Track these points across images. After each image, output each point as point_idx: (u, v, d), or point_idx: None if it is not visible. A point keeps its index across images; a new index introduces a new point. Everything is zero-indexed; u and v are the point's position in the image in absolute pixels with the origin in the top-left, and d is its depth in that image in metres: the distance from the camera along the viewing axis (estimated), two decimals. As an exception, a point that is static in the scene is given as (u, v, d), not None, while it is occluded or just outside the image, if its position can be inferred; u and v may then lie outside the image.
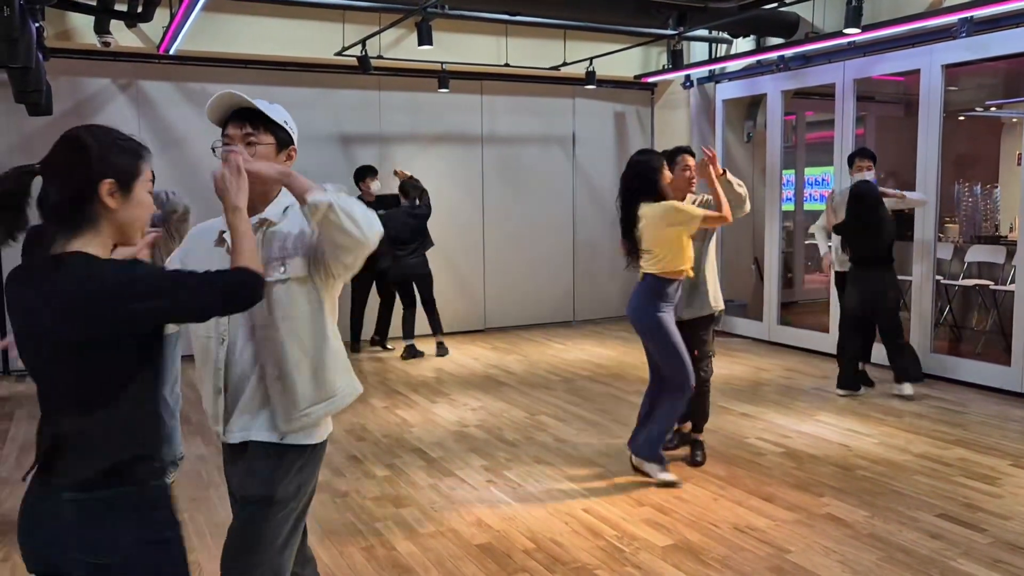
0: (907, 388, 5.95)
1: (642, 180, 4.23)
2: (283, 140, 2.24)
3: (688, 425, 4.72)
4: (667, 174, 4.30)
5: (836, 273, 6.44)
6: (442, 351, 7.70)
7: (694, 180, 4.52)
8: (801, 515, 3.89)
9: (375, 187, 7.56)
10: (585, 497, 4.17)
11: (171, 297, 1.62)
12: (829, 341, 7.29)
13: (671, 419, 4.34)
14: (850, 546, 3.54)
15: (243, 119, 2.16)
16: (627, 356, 7.53)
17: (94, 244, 1.64)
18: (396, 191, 7.63)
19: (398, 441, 5.13)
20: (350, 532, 3.77)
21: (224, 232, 2.14)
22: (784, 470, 4.50)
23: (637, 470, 4.41)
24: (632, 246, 4.27)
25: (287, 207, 2.22)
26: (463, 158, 8.80)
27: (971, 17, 5.91)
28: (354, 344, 7.86)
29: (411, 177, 7.60)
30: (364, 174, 7.55)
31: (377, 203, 7.40)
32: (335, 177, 8.20)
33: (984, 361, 6.51)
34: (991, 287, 7.76)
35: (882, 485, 4.27)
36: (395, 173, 7.78)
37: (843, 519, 3.83)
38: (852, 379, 6.06)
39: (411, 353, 7.58)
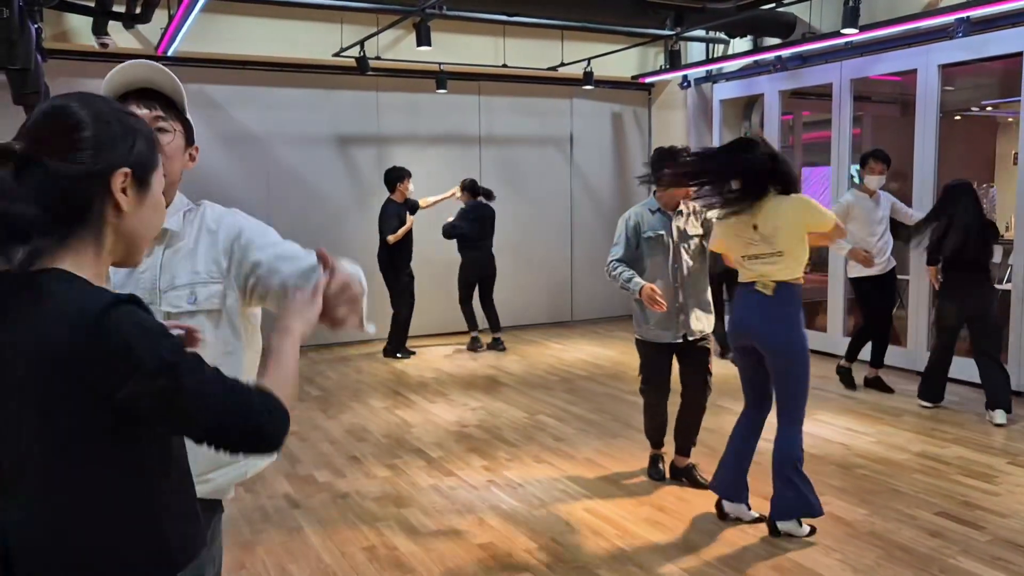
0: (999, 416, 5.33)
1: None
2: (190, 134, 1.74)
3: (683, 459, 4.34)
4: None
5: (860, 280, 6.04)
6: (500, 346, 7.93)
7: (691, 189, 4.01)
8: (801, 514, 3.90)
9: (412, 189, 7.54)
10: (586, 496, 4.18)
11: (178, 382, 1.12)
12: (827, 341, 7.31)
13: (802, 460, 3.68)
14: (850, 544, 3.56)
15: (152, 98, 1.67)
16: (625, 356, 7.54)
17: (87, 261, 1.18)
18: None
19: (398, 441, 5.14)
20: (352, 532, 3.78)
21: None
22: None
23: (774, 533, 3.66)
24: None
25: (185, 212, 1.74)
26: (461, 159, 8.80)
27: (968, 17, 5.93)
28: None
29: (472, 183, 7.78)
30: (403, 175, 7.46)
31: (406, 205, 7.47)
32: (332, 177, 8.22)
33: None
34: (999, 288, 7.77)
35: (881, 483, 4.28)
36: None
37: (843, 517, 3.85)
38: (938, 390, 5.65)
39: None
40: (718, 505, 3.86)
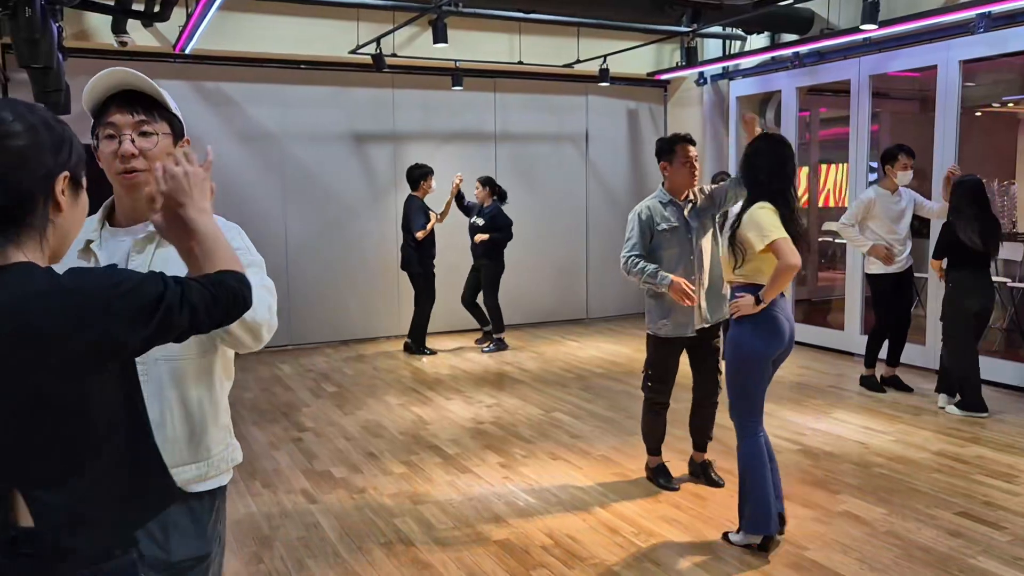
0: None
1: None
2: (178, 130, 1.77)
3: (701, 455, 4.31)
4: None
5: (878, 277, 5.94)
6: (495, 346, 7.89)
7: (697, 174, 4.09)
8: (818, 512, 3.88)
9: (435, 186, 7.56)
10: (602, 494, 4.18)
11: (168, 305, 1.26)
12: (844, 338, 7.26)
13: None
14: (868, 543, 3.54)
15: (133, 103, 1.71)
16: (640, 353, 7.48)
17: (36, 257, 1.28)
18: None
19: (414, 438, 5.16)
20: (369, 528, 3.79)
21: (92, 242, 1.74)
22: (801, 468, 4.49)
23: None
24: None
25: None
26: (476, 156, 8.81)
27: (989, 12, 5.86)
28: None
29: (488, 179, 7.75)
30: (427, 173, 7.47)
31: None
32: (347, 174, 8.25)
33: (1001, 358, 6.47)
34: (1008, 284, 7.71)
35: (899, 483, 4.26)
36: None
37: (860, 516, 3.82)
38: (980, 398, 5.44)
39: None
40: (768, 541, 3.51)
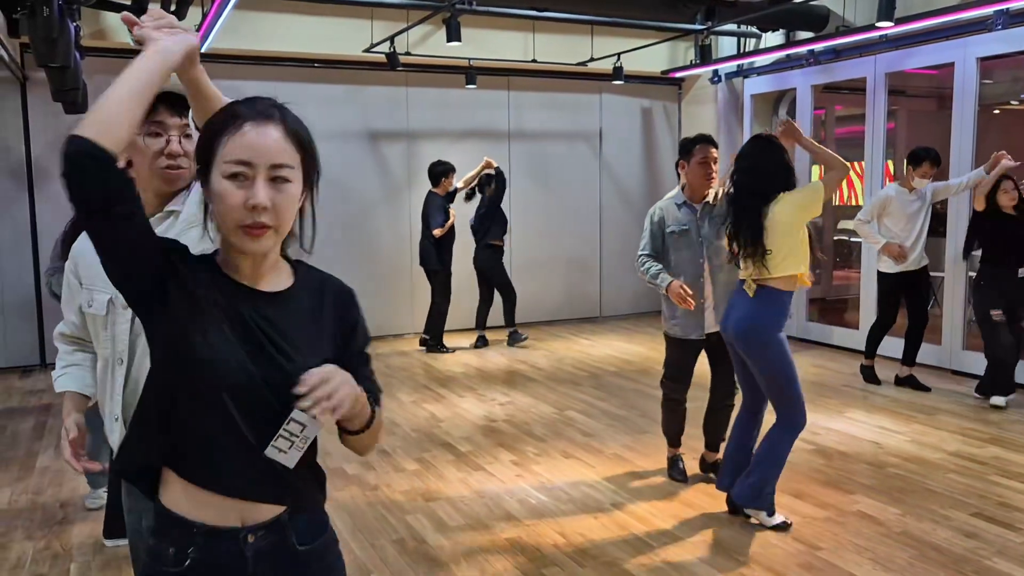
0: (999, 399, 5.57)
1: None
2: None
3: (713, 454, 4.33)
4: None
5: (888, 276, 5.94)
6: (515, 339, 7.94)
7: (713, 176, 4.06)
8: (832, 512, 3.87)
9: (456, 184, 7.59)
10: (614, 492, 4.18)
11: None
12: (858, 338, 7.21)
13: (782, 463, 3.71)
14: (882, 544, 3.52)
15: (180, 107, 1.85)
16: (654, 352, 7.51)
17: None
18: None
19: (427, 435, 5.17)
20: (381, 525, 3.81)
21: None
22: (814, 467, 4.47)
23: (736, 512, 3.82)
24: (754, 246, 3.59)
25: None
26: (490, 154, 8.78)
27: (1007, 9, 5.81)
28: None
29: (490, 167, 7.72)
30: (448, 170, 7.48)
31: (448, 197, 7.53)
32: (361, 172, 8.27)
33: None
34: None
35: (914, 483, 4.23)
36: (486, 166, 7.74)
37: (875, 517, 3.80)
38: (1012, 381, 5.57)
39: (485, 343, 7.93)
40: (728, 499, 3.85)
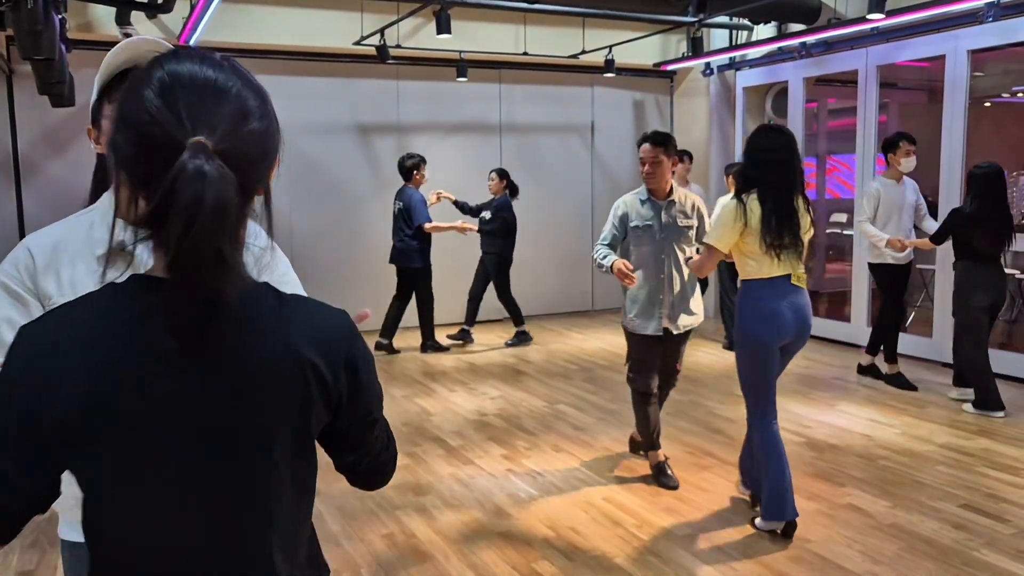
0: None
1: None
2: None
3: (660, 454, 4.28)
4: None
5: (881, 266, 5.90)
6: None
7: (650, 173, 4.08)
8: (822, 505, 3.87)
9: (427, 176, 7.39)
10: (604, 485, 4.17)
11: None
12: (849, 331, 7.23)
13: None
14: (871, 536, 3.53)
15: None
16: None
17: None
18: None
19: (418, 429, 5.16)
20: (371, 519, 3.80)
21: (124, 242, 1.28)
22: (805, 460, 4.48)
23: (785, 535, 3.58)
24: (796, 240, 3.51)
25: None
26: (481, 147, 8.79)
27: (998, 1, 5.80)
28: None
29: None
30: (419, 163, 7.28)
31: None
32: (352, 166, 8.24)
33: (1010, 351, 6.43)
34: (1016, 276, 7.65)
35: (904, 475, 4.24)
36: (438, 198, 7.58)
37: (864, 509, 3.81)
38: (997, 396, 5.30)
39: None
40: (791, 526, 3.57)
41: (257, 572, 1.05)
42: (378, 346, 7.35)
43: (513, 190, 7.60)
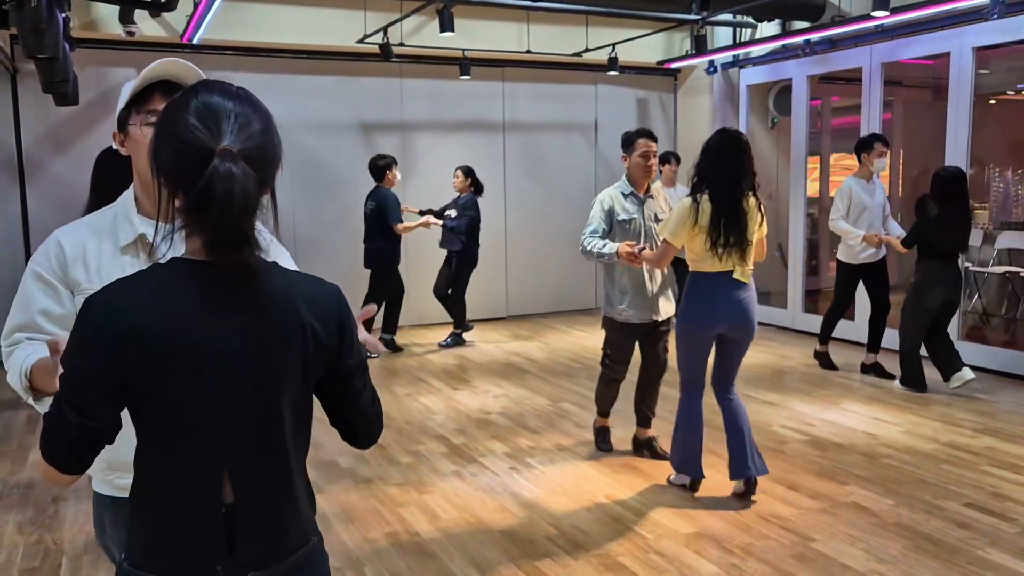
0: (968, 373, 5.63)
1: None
2: None
3: (645, 431, 4.60)
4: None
5: (849, 265, 6.12)
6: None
7: (653, 169, 4.32)
8: (826, 503, 3.86)
9: (399, 176, 7.36)
10: (608, 484, 4.17)
11: None
12: (854, 329, 7.22)
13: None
14: (875, 535, 3.52)
15: (176, 92, 1.60)
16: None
17: None
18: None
19: (421, 428, 5.16)
20: (374, 518, 3.80)
21: (144, 234, 1.67)
22: (808, 458, 4.47)
23: (743, 496, 3.92)
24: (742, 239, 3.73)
25: None
26: (484, 145, 8.79)
27: (1003, -2, 5.79)
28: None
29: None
30: (391, 163, 7.24)
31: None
32: (355, 164, 8.24)
33: (1014, 349, 6.42)
34: (1022, 274, 7.63)
35: (908, 474, 4.23)
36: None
37: (868, 508, 3.80)
38: (922, 377, 5.76)
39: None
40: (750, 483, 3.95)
41: (281, 477, 1.34)
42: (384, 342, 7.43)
43: (478, 188, 7.51)
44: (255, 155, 1.25)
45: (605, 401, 4.65)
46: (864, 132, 7.26)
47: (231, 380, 1.27)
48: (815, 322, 7.92)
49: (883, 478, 4.17)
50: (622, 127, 9.39)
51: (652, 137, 4.33)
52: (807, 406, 5.50)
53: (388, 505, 3.94)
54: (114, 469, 1.69)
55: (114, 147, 1.75)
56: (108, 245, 1.67)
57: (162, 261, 1.28)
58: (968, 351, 6.39)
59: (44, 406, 1.53)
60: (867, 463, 4.39)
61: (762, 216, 3.83)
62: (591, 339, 7.89)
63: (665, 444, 4.43)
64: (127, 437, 1.29)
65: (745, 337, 3.88)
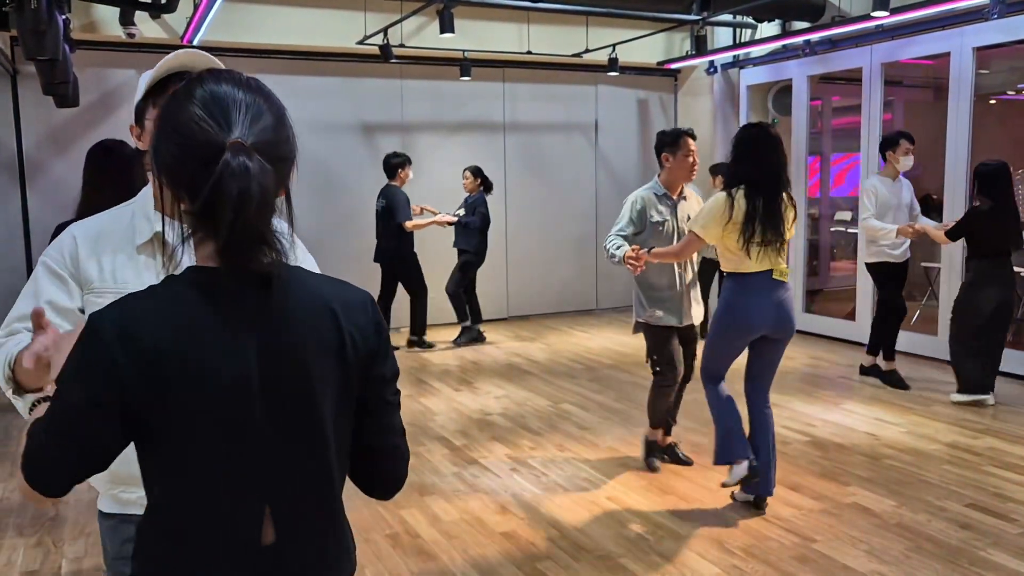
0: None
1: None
2: None
3: (666, 438, 4.48)
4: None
5: (880, 265, 5.83)
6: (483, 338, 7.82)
7: (696, 169, 4.22)
8: (827, 504, 3.86)
9: (411, 175, 7.43)
10: (609, 486, 4.17)
11: None
12: (855, 329, 7.21)
13: None
14: (877, 536, 3.51)
15: None
16: (650, 344, 7.50)
17: None
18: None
19: (422, 429, 5.15)
20: (375, 519, 3.80)
21: (160, 230, 1.54)
22: (810, 459, 4.46)
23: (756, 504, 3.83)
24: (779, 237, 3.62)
25: None
26: (485, 146, 8.78)
27: (1003, -2, 5.78)
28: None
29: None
30: (405, 162, 7.31)
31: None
32: (356, 165, 8.24)
33: (1015, 349, 6.40)
34: (1021, 274, 7.62)
35: (910, 474, 4.22)
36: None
37: (870, 508, 3.79)
38: (982, 377, 5.36)
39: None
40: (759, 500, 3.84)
41: (328, 508, 1.23)
42: (410, 344, 7.57)
43: (487, 186, 7.59)
44: (269, 151, 1.11)
45: (659, 411, 4.37)
46: (864, 132, 7.27)
47: (264, 404, 1.11)
48: (816, 322, 7.92)
49: (885, 479, 4.16)
50: (622, 128, 9.51)
51: (694, 136, 4.22)
52: (808, 407, 5.49)
53: (389, 507, 3.93)
54: (118, 483, 1.61)
55: (130, 142, 1.69)
56: (125, 244, 1.61)
57: (176, 272, 1.14)
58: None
59: (22, 403, 1.44)
60: (869, 464, 4.39)
61: (795, 213, 3.71)
62: (592, 340, 7.89)
63: (698, 472, 4.28)
64: (131, 447, 1.17)
65: (786, 338, 3.73)
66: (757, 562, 3.30)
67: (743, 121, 8.72)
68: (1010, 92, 10.23)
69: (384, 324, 1.27)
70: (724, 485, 3.93)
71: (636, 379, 6.30)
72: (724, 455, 3.78)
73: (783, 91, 8.57)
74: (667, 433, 4.47)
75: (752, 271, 3.62)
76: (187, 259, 1.15)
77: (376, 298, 7.28)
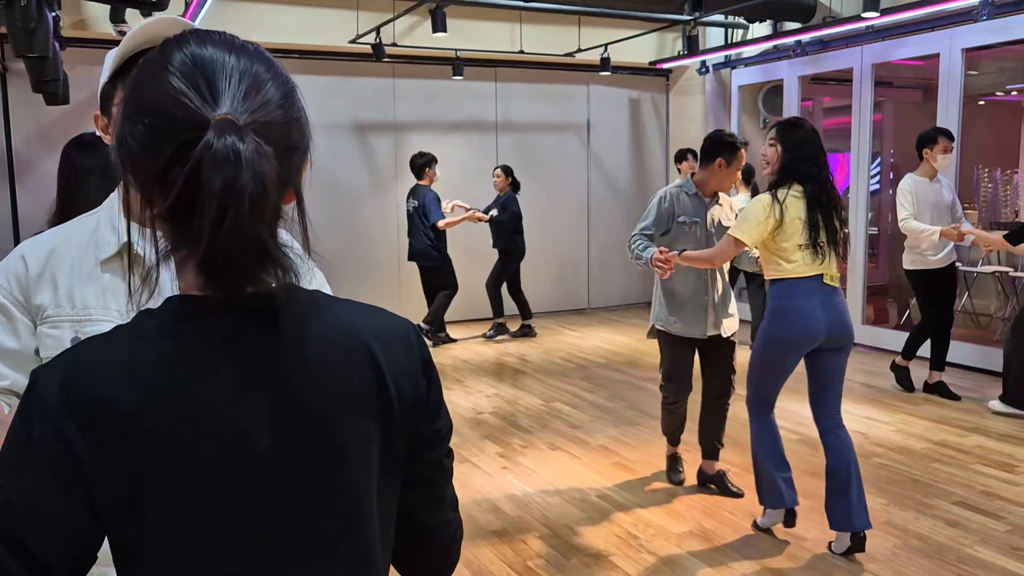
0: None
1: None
2: None
3: (712, 463, 4.10)
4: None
5: (920, 272, 5.48)
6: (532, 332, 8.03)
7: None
8: (817, 502, 3.86)
9: (439, 174, 7.46)
10: (600, 484, 4.18)
11: None
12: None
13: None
14: (867, 533, 3.53)
15: None
16: (642, 343, 7.52)
17: None
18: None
19: (413, 428, 5.15)
20: (366, 518, 3.79)
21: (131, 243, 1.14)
22: (801, 457, 4.48)
23: (847, 553, 3.37)
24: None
25: None
26: (478, 145, 8.79)
27: (991, 0, 5.82)
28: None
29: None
30: (431, 160, 7.34)
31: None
32: (349, 164, 8.23)
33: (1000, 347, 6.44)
34: (1010, 274, 7.67)
35: (899, 472, 4.25)
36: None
37: (859, 507, 3.81)
38: None
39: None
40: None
41: None
42: (427, 335, 7.54)
43: (516, 185, 7.69)
44: (270, 134, 0.81)
45: (668, 429, 4.14)
46: (855, 133, 7.31)
47: (279, 483, 0.83)
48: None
49: (874, 477, 4.19)
50: (614, 127, 9.52)
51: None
52: (800, 406, 5.50)
53: (381, 505, 3.93)
54: (101, 564, 1.24)
55: (97, 133, 1.36)
56: (86, 258, 1.29)
57: (153, 304, 0.84)
58: (959, 350, 6.43)
59: None
60: (859, 462, 4.40)
61: (844, 214, 3.47)
62: (584, 339, 7.91)
63: (693, 473, 4.13)
64: None
65: (847, 346, 3.41)
66: (747, 560, 3.31)
67: (735, 121, 8.75)
68: (999, 93, 10.30)
69: (432, 362, 0.97)
70: (756, 527, 3.61)
71: (628, 378, 6.32)
72: (771, 500, 3.52)
73: (774, 91, 8.61)
74: (713, 458, 4.07)
75: (802, 276, 3.31)
76: (170, 286, 0.85)
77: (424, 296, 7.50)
